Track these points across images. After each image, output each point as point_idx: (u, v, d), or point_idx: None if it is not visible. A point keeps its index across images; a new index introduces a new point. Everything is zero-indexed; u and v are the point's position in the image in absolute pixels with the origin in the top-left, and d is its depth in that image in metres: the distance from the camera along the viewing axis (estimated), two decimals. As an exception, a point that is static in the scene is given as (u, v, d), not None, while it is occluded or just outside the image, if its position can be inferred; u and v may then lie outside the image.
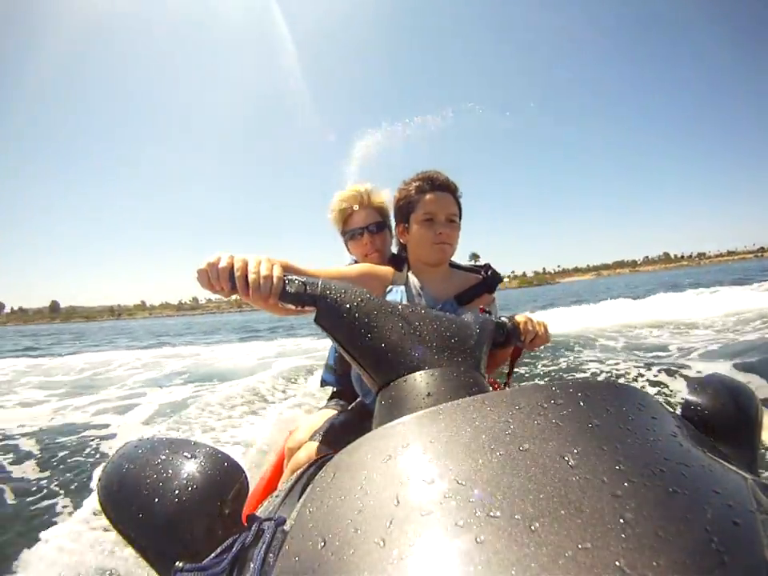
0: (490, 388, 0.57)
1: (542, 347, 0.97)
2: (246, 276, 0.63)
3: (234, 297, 0.69)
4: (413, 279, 1.10)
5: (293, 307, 0.62)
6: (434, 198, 1.03)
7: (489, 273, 1.14)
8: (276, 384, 4.15)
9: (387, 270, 1.12)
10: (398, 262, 1.16)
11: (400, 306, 0.62)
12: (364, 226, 1.34)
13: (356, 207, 1.36)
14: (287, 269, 0.88)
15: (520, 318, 0.89)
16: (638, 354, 4.45)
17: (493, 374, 1.10)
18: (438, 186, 1.03)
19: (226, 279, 0.63)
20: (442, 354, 0.57)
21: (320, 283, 0.61)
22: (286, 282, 0.62)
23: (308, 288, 0.60)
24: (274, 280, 0.61)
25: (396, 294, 1.07)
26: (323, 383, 1.60)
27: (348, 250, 1.45)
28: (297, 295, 0.60)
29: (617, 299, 11.81)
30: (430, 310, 0.65)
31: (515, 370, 1.01)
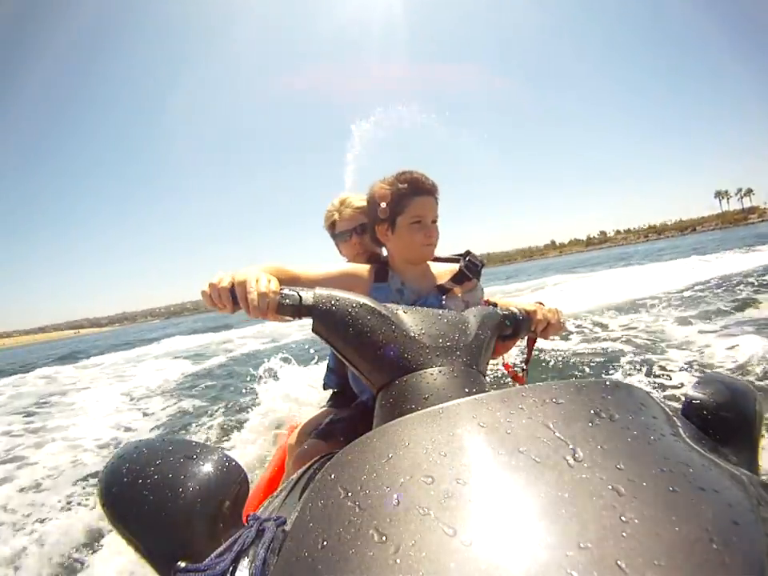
0: (498, 384, 0.57)
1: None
2: (245, 294, 0.67)
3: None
4: (393, 276, 1.13)
5: (290, 319, 0.65)
6: (422, 201, 1.05)
7: (468, 260, 1.16)
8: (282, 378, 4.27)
9: (367, 268, 1.14)
10: (376, 260, 1.18)
11: (395, 308, 0.63)
12: (351, 228, 1.41)
13: (342, 211, 1.44)
14: (279, 273, 0.90)
15: (530, 306, 0.88)
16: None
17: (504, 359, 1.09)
18: (426, 189, 1.06)
19: (228, 298, 0.68)
20: (438, 354, 0.57)
21: (314, 294, 0.63)
22: (282, 295, 0.65)
23: (303, 300, 0.63)
24: (271, 296, 0.65)
25: (380, 292, 1.09)
26: (325, 386, 1.60)
27: (340, 251, 1.51)
28: (292, 307, 0.63)
29: None
30: (426, 309, 0.65)
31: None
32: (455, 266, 1.16)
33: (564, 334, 4.96)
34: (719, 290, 6.02)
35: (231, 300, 0.68)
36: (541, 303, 0.93)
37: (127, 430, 3.71)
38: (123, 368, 8.46)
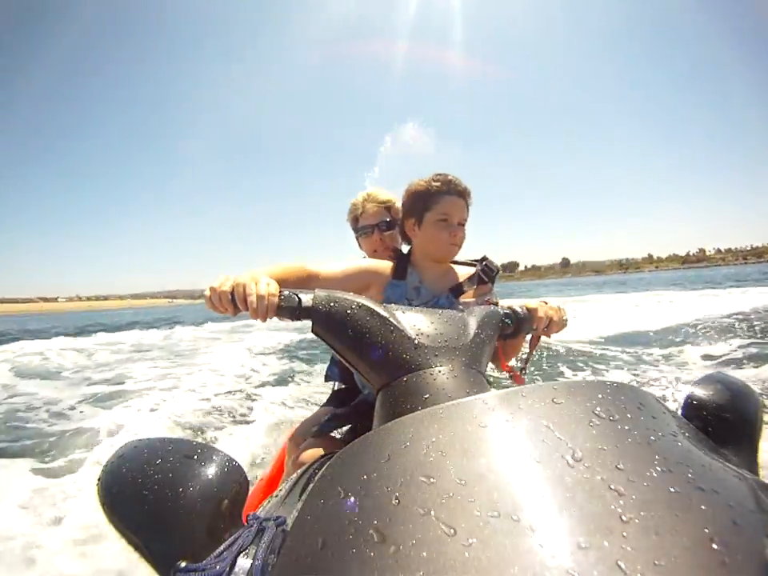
0: (500, 383, 0.57)
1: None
2: (245, 297, 0.68)
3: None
4: (412, 274, 1.14)
5: (290, 321, 0.66)
6: (451, 201, 1.08)
7: (484, 264, 1.18)
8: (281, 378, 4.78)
9: (387, 265, 1.14)
10: (399, 256, 1.19)
11: (395, 308, 0.63)
12: (374, 224, 1.42)
13: (366, 206, 1.44)
14: (299, 271, 0.91)
15: (532, 304, 0.87)
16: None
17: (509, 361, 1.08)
18: (457, 191, 1.09)
19: (228, 302, 0.69)
20: (437, 354, 0.57)
21: (313, 296, 0.64)
22: (281, 297, 0.65)
23: (302, 302, 0.64)
24: (269, 298, 0.66)
25: (396, 289, 1.10)
26: (327, 378, 1.60)
27: (360, 246, 1.52)
28: (291, 309, 0.64)
29: None
30: (426, 309, 0.66)
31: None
32: (472, 270, 1.18)
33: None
34: (759, 322, 6.20)
35: (232, 303, 0.69)
36: (544, 302, 0.93)
37: (254, 371, 5.10)
38: (234, 335, 10.21)
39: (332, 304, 0.62)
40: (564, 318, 0.92)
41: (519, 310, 0.81)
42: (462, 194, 1.09)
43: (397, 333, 0.58)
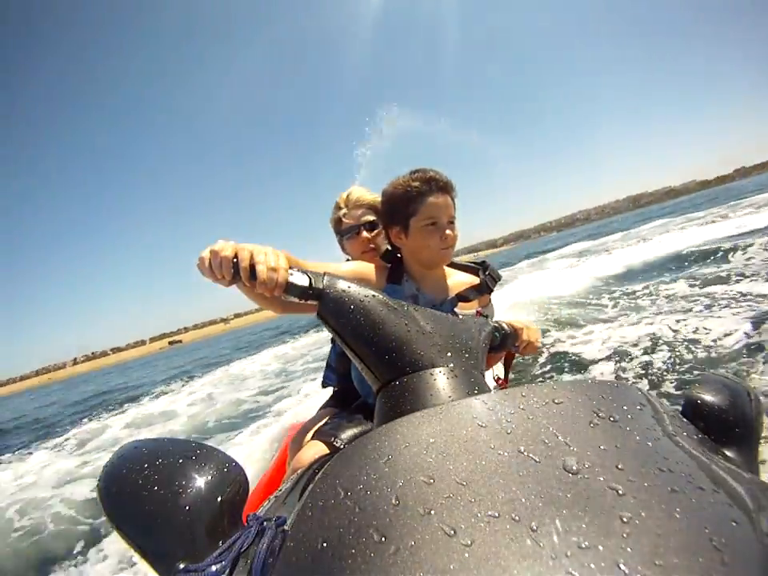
0: (491, 388, 0.57)
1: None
2: (252, 266, 0.62)
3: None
4: (408, 281, 1.09)
5: (296, 300, 0.62)
6: (436, 201, 0.99)
7: (487, 273, 1.13)
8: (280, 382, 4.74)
9: (381, 268, 1.11)
10: (392, 259, 1.15)
11: (405, 305, 0.62)
12: (360, 224, 1.36)
13: (351, 205, 1.39)
14: (289, 261, 0.89)
15: (518, 323, 0.89)
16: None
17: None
18: (440, 188, 1.00)
19: (229, 268, 0.62)
20: (446, 354, 0.57)
21: (325, 277, 0.61)
22: (291, 274, 0.62)
23: (313, 281, 0.60)
24: (281, 272, 0.61)
25: (395, 294, 1.05)
26: (324, 384, 1.60)
27: (343, 249, 1.47)
28: (302, 288, 0.60)
29: None
30: (433, 310, 0.65)
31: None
32: (474, 279, 1.14)
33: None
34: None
35: (232, 271, 0.63)
36: (526, 324, 0.97)
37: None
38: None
39: (345, 290, 0.59)
40: (539, 341, 0.96)
41: (506, 327, 0.85)
42: (446, 189, 1.01)
43: (412, 327, 0.57)
